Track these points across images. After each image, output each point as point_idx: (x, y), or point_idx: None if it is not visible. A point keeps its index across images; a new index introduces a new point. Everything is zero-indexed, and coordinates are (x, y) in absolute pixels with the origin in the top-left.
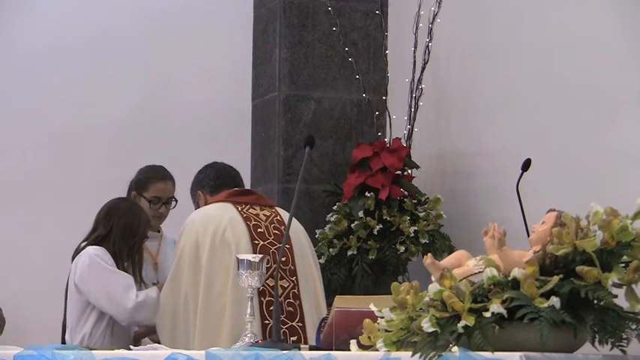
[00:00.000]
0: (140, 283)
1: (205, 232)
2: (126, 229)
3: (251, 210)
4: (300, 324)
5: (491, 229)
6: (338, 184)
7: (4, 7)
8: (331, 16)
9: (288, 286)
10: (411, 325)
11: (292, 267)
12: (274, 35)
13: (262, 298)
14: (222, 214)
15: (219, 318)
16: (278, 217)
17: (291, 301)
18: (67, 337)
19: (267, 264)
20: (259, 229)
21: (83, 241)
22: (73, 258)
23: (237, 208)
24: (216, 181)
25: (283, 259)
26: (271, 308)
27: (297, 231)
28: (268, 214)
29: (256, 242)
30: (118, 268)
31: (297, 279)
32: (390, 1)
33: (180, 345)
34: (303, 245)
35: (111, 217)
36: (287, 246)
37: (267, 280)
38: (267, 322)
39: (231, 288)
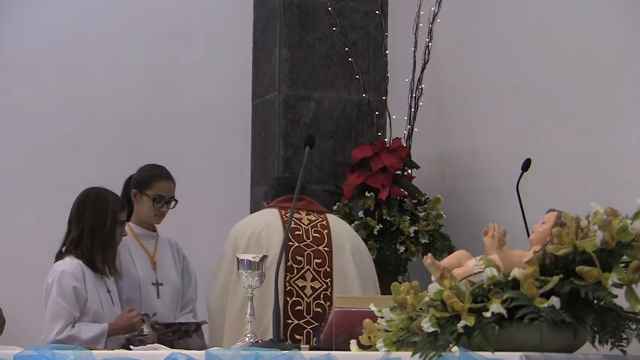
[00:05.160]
0: (114, 274)
1: (243, 236)
2: (94, 228)
3: (295, 215)
4: None
5: (491, 229)
6: (338, 184)
7: (3, 8)
8: (331, 16)
9: (319, 287)
10: (411, 325)
11: (328, 269)
12: (274, 35)
13: (288, 298)
14: (262, 218)
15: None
16: (323, 222)
17: (321, 302)
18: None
19: (300, 265)
20: (297, 232)
21: (62, 246)
22: (55, 261)
23: (281, 213)
24: (276, 190)
25: (319, 260)
26: (297, 308)
27: (341, 235)
28: (313, 218)
29: (290, 243)
30: (96, 270)
31: (331, 281)
32: (390, 1)
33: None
34: (344, 249)
35: (80, 218)
36: (326, 248)
37: (296, 281)
38: (289, 321)
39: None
